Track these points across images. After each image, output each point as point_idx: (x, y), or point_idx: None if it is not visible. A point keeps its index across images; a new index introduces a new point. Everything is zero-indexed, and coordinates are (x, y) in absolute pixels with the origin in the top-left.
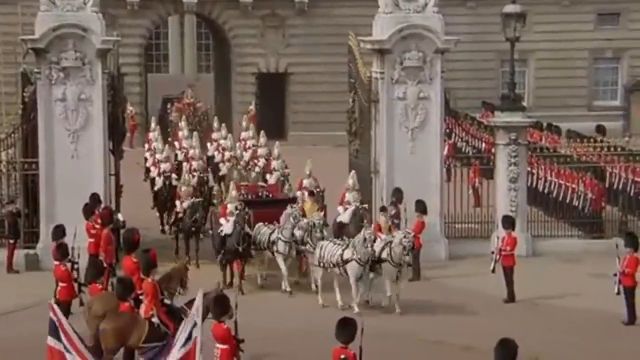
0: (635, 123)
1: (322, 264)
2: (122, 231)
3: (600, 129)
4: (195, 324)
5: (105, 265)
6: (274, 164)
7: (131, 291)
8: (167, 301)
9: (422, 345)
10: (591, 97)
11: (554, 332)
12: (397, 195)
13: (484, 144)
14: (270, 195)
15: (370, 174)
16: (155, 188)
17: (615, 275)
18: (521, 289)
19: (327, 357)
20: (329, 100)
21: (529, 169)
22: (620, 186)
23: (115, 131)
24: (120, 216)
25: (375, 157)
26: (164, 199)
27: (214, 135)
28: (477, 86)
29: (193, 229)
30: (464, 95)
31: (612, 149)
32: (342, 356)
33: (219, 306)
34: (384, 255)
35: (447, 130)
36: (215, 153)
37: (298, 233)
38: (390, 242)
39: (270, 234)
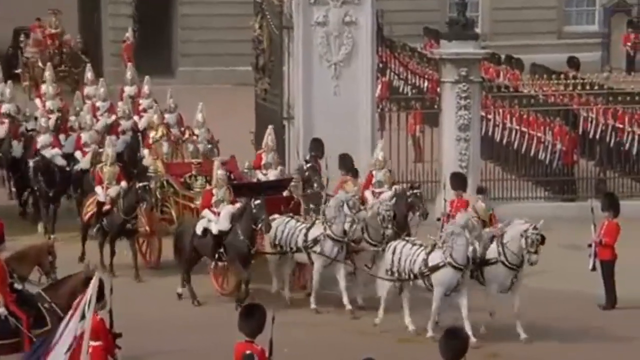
0: (616, 54)
1: (395, 274)
2: None
3: (573, 62)
4: (83, 317)
5: None
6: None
7: None
8: (17, 286)
9: None
10: (561, 22)
11: (507, 318)
12: (317, 148)
13: (426, 82)
14: (258, 178)
15: (282, 122)
16: None
17: (590, 246)
18: None
19: (229, 353)
20: (228, 25)
21: (483, 113)
22: (598, 134)
23: None
24: None
25: (288, 99)
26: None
27: (88, 91)
28: (417, 8)
29: (129, 226)
30: (402, 19)
31: (587, 87)
32: (247, 352)
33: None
34: (491, 254)
35: (380, 65)
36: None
37: (354, 228)
38: (501, 235)
39: (308, 229)
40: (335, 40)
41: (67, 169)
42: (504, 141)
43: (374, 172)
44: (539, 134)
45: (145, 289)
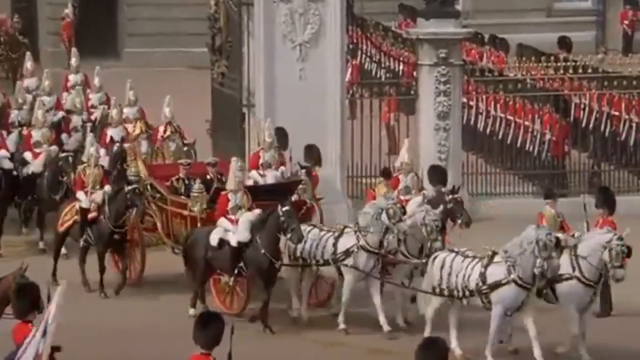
0: (612, 33)
1: (444, 291)
2: None
3: (564, 43)
4: (45, 333)
5: None
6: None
7: None
8: None
9: None
10: None
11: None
12: (280, 139)
13: (402, 66)
14: (264, 180)
15: (241, 109)
16: None
17: None
18: None
19: None
20: (181, 1)
21: (464, 99)
22: (592, 123)
23: None
24: None
25: (248, 84)
26: None
27: (28, 83)
28: None
29: (116, 237)
30: None
31: (580, 70)
32: None
33: (22, 299)
34: (564, 269)
35: (351, 46)
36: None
37: (390, 238)
38: (575, 247)
39: (337, 239)
40: (301, 18)
41: (15, 172)
42: (488, 131)
43: (400, 177)
44: (526, 123)
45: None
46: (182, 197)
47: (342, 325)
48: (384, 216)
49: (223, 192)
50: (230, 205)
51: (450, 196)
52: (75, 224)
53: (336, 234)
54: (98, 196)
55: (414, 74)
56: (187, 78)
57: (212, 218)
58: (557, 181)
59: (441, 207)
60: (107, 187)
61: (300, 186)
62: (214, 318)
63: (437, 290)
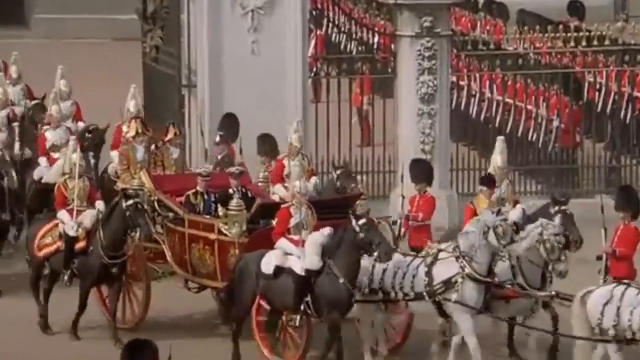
0: None
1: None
2: None
3: (576, 8)
4: None
5: None
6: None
7: None
8: None
9: None
10: None
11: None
12: (229, 127)
13: (377, 37)
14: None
15: (180, 90)
16: None
17: (600, 259)
18: None
19: None
20: None
21: (453, 79)
22: (609, 107)
23: None
24: None
25: (189, 60)
26: None
27: None
28: None
29: (115, 270)
30: None
31: (595, 42)
32: None
33: None
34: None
35: (315, 14)
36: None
37: (501, 264)
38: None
39: (430, 266)
40: None
41: None
42: (482, 117)
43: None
44: (529, 107)
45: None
46: (207, 216)
47: None
48: (491, 237)
49: (284, 206)
50: (293, 222)
51: (557, 208)
52: (59, 252)
53: (428, 259)
54: (87, 218)
55: (392, 47)
56: (112, 52)
57: (256, 243)
58: (567, 178)
59: None
60: (100, 204)
61: (359, 202)
62: (146, 345)
63: (600, 332)
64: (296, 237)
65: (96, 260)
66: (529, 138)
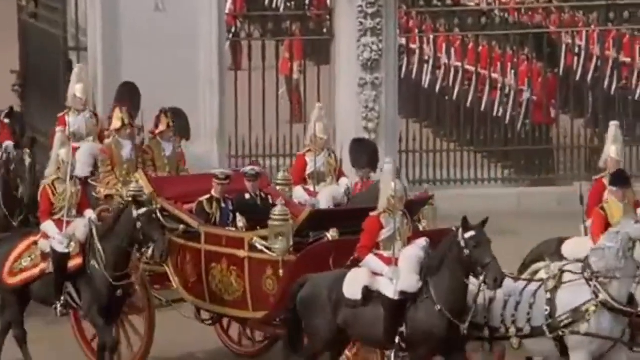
0: None
1: None
2: None
3: None
4: None
5: None
6: None
7: None
8: None
9: None
10: None
11: None
12: (129, 100)
13: None
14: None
15: (66, 54)
16: None
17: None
18: None
19: None
20: None
21: (402, 41)
22: (590, 75)
23: None
24: None
25: (77, 18)
26: None
27: None
28: None
29: (118, 292)
30: None
31: None
32: None
33: None
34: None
35: None
36: None
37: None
38: None
39: (552, 291)
40: None
41: None
42: (437, 87)
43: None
44: (494, 75)
45: None
46: (231, 229)
47: None
48: (638, 252)
49: (372, 214)
50: (385, 234)
51: None
52: (43, 276)
53: (549, 283)
54: (78, 229)
55: (328, 2)
56: None
57: (307, 262)
58: (540, 161)
59: None
60: (90, 213)
61: (426, 207)
62: None
63: None
64: (387, 254)
65: (99, 281)
66: (494, 113)
